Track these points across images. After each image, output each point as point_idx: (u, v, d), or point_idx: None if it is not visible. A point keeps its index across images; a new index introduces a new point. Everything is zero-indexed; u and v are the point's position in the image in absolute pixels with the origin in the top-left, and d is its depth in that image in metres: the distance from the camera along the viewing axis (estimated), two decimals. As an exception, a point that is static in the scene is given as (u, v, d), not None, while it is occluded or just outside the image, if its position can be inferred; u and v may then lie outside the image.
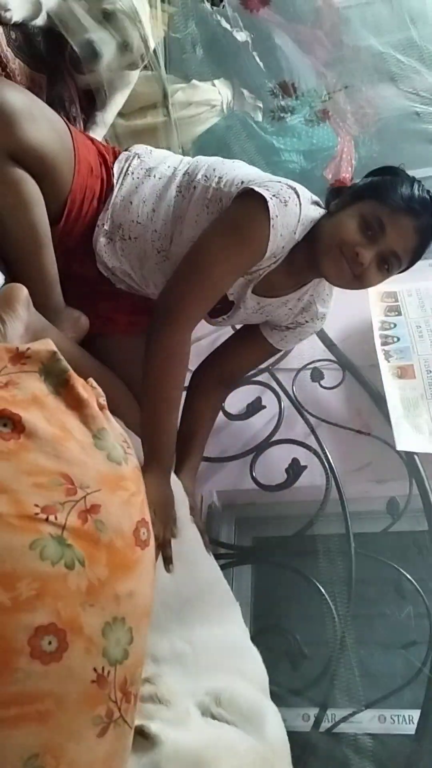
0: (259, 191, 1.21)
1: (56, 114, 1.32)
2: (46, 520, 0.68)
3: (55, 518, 0.69)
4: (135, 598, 0.75)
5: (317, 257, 1.30)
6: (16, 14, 1.44)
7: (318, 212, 1.33)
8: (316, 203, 1.35)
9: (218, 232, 1.27)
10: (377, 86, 2.12)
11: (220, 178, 1.32)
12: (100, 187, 1.38)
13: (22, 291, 1.18)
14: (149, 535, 0.80)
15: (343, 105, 2.09)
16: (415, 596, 1.52)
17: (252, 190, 1.22)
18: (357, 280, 1.28)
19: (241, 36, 1.97)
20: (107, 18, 1.51)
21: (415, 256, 1.31)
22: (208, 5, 1.87)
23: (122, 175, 1.39)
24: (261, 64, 2.01)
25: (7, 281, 1.25)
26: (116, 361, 1.45)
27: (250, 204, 1.23)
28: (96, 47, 1.51)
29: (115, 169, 1.40)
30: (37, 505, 0.69)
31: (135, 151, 1.45)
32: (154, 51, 1.75)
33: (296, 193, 1.26)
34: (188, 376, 1.48)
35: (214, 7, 1.88)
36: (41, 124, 1.22)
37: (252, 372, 1.90)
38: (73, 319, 1.38)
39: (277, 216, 1.21)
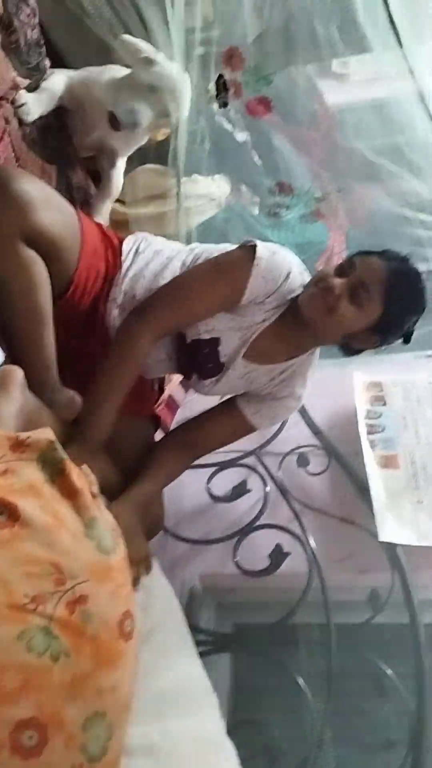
0: (254, 242, 1.34)
1: (66, 201, 1.41)
2: (35, 610, 0.69)
3: (44, 609, 0.70)
4: (117, 692, 0.75)
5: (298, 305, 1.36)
6: (34, 113, 1.54)
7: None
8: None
9: (205, 264, 1.42)
10: (369, 187, 2.24)
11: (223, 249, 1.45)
12: (104, 267, 1.47)
13: (18, 373, 1.21)
14: (133, 627, 0.81)
15: (336, 203, 2.19)
16: (395, 693, 1.50)
17: (247, 241, 1.35)
18: (330, 311, 1.31)
19: (242, 136, 2.09)
20: (151, 89, 1.62)
21: (389, 299, 1.30)
22: (215, 106, 1.98)
23: (132, 254, 1.50)
24: (259, 163, 2.13)
25: (6, 359, 1.28)
26: (108, 439, 1.47)
27: (240, 248, 1.37)
28: (138, 117, 1.62)
29: (125, 249, 1.50)
30: (27, 595, 0.70)
31: (142, 235, 1.57)
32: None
33: (290, 256, 1.37)
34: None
35: (220, 109, 1.99)
36: (53, 211, 1.31)
37: (239, 455, 1.93)
38: (68, 399, 1.40)
39: (262, 259, 1.32)
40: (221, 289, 1.37)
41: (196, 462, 1.65)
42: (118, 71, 1.71)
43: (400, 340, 1.42)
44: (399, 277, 1.32)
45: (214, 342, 1.44)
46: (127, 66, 1.72)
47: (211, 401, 1.61)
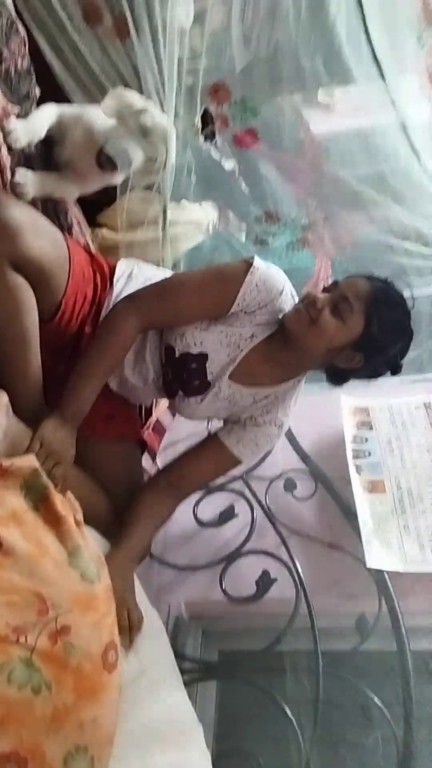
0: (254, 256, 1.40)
1: (54, 226, 1.43)
2: (17, 641, 0.68)
3: (26, 640, 0.69)
4: (99, 725, 0.74)
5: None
6: (22, 140, 1.55)
7: None
8: None
9: (203, 267, 1.52)
10: (353, 215, 2.27)
11: None
12: (93, 291, 1.49)
13: (3, 397, 1.22)
14: (117, 658, 0.80)
15: (322, 231, 2.22)
16: (383, 722, 1.49)
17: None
18: (312, 323, 1.34)
19: (229, 165, 2.13)
20: (143, 133, 1.62)
21: (371, 314, 1.32)
22: (202, 139, 2.01)
23: (125, 278, 1.53)
24: (247, 190, 2.15)
25: None
26: (92, 464, 1.47)
27: (240, 260, 1.42)
28: (130, 157, 1.61)
29: (117, 273, 1.54)
30: (8, 625, 0.69)
31: (134, 261, 1.61)
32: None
33: (285, 277, 1.43)
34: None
35: (207, 141, 2.03)
36: (41, 237, 1.32)
37: (226, 479, 1.92)
38: None
39: (258, 269, 1.37)
40: (214, 289, 1.40)
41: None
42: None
43: (389, 372, 1.43)
44: (381, 294, 1.36)
45: (203, 358, 1.45)
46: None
47: (199, 427, 1.61)
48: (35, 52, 1.71)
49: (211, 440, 1.53)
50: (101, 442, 1.52)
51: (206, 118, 1.96)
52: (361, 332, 1.34)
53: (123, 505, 1.46)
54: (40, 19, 1.78)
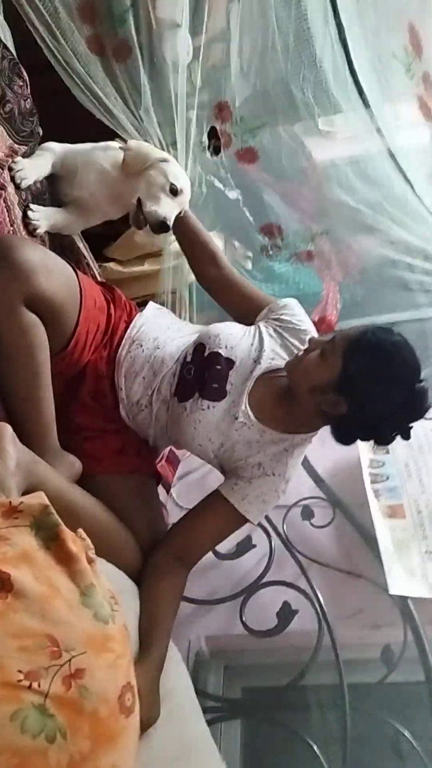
0: None
1: (64, 262, 1.45)
2: (29, 687, 0.66)
3: (38, 685, 0.66)
4: (117, 772, 0.71)
5: None
6: (30, 178, 1.58)
7: None
8: None
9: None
10: (358, 236, 2.28)
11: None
12: (106, 320, 1.54)
13: (6, 428, 1.21)
14: (134, 701, 0.77)
15: (326, 249, 2.23)
16: (414, 756, 1.44)
17: None
18: (299, 360, 1.41)
19: (233, 194, 2.15)
20: (173, 192, 1.65)
21: (349, 355, 1.33)
22: (208, 154, 2.04)
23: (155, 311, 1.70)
24: (252, 219, 2.17)
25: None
26: (107, 501, 1.45)
27: None
28: (168, 224, 1.63)
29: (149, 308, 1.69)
30: (20, 671, 0.66)
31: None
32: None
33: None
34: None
35: (213, 156, 2.05)
36: (53, 274, 1.34)
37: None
38: (68, 463, 1.39)
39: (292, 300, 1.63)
40: None
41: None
42: (118, 154, 1.75)
43: (397, 434, 1.40)
44: (369, 337, 1.35)
45: (230, 363, 1.47)
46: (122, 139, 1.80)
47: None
48: (37, 93, 1.74)
49: (214, 499, 1.45)
50: (108, 478, 1.48)
51: (212, 135, 2.01)
52: (339, 373, 1.33)
53: (145, 541, 1.44)
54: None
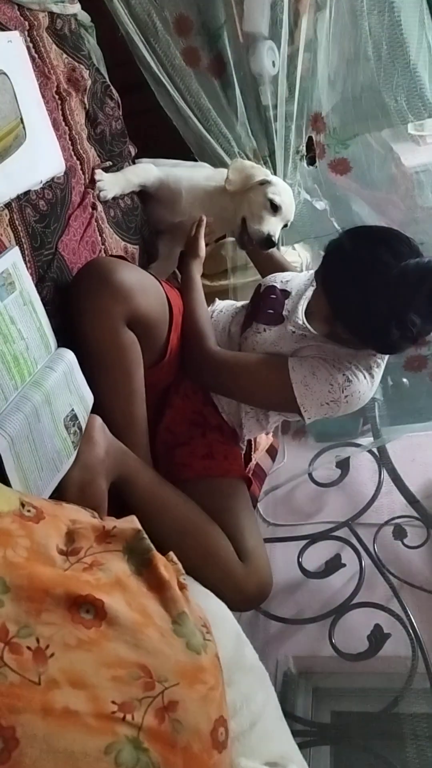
0: None
1: (153, 278, 1.50)
2: (123, 719, 0.65)
3: (132, 717, 0.66)
4: (210, 810, 0.69)
5: None
6: (110, 192, 1.61)
7: None
8: None
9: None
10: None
11: None
12: None
13: (95, 419, 1.27)
14: (227, 736, 0.75)
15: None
16: None
17: None
18: None
19: (321, 205, 2.11)
20: (274, 209, 1.68)
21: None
22: (304, 164, 2.06)
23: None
24: (340, 229, 2.12)
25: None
26: (200, 505, 1.45)
27: None
28: (274, 240, 1.69)
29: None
30: (114, 702, 0.66)
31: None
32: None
33: None
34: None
35: (309, 166, 2.07)
36: (148, 292, 1.41)
37: (331, 527, 1.86)
38: None
39: None
40: None
41: (286, 535, 1.56)
42: (217, 174, 1.79)
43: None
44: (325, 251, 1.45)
45: (285, 294, 1.57)
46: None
47: (299, 469, 1.53)
48: (128, 115, 1.78)
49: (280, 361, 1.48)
50: (199, 482, 1.49)
51: (310, 145, 2.05)
52: (325, 299, 1.43)
53: (236, 541, 1.41)
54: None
